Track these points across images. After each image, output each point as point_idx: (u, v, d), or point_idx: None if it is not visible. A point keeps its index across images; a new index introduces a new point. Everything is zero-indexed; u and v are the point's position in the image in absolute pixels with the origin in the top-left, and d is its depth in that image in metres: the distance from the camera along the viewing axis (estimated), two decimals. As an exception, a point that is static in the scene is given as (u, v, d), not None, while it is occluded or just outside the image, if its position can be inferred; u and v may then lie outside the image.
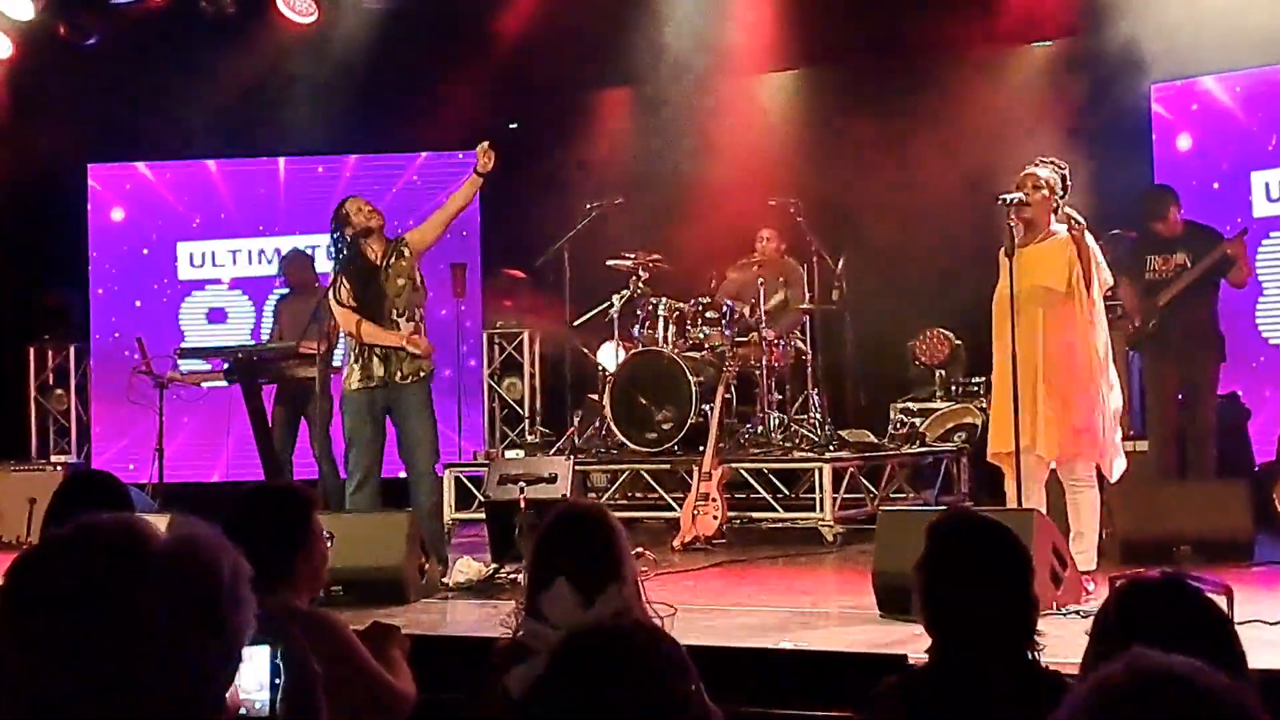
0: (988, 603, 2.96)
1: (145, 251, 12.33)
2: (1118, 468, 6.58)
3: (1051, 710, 1.66)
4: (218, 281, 12.29)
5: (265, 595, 3.60)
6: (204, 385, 9.97)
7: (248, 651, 2.87)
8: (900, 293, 10.51)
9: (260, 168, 12.32)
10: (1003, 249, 6.45)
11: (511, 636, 3.25)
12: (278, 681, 2.86)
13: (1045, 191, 6.53)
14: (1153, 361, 8.51)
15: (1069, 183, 6.64)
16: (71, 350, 12.19)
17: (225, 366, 9.38)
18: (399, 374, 7.46)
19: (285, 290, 10.13)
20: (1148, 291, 8.34)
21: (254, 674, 2.88)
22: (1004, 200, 6.44)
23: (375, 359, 7.49)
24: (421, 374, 7.50)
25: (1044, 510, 6.26)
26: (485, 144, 7.54)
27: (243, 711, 2.86)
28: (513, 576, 6.91)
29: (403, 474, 7.64)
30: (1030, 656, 2.97)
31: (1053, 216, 6.59)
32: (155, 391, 9.38)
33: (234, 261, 12.27)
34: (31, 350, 12.17)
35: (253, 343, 10.97)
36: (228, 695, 2.84)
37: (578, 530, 3.37)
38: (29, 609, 2.33)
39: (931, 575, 3.06)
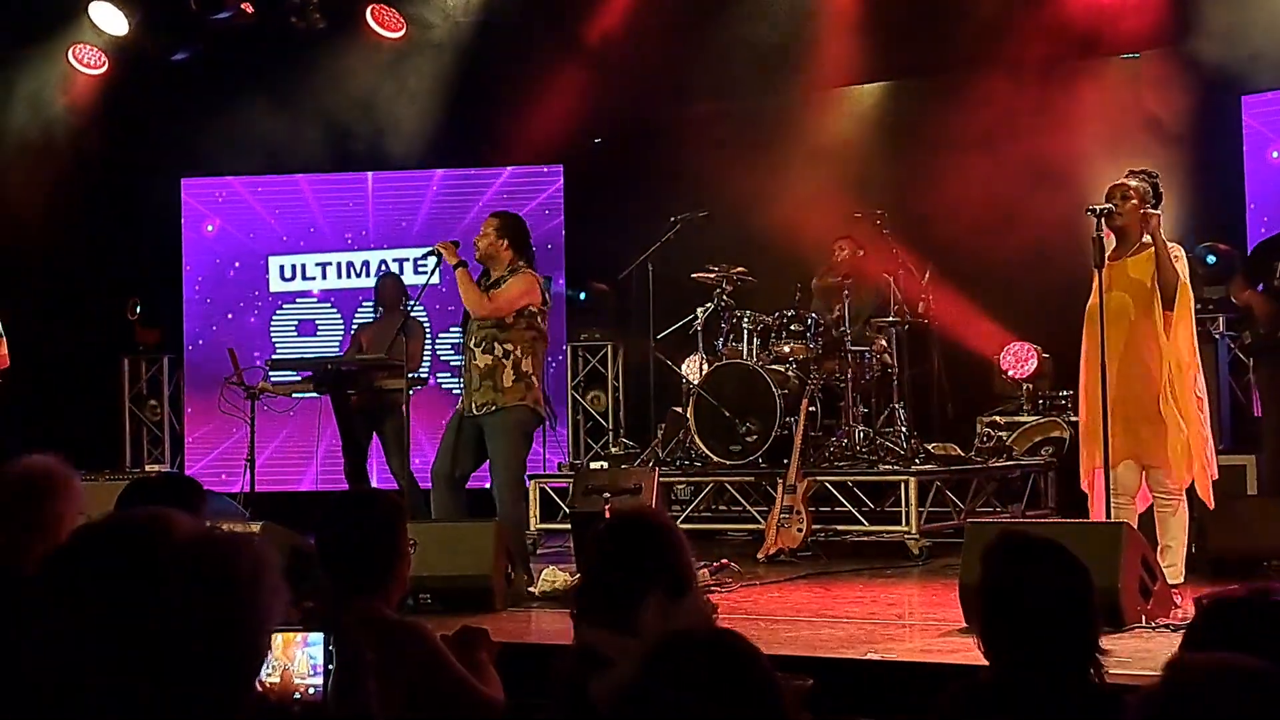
0: (1044, 624, 2.90)
1: (237, 264, 12.51)
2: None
3: None
4: (308, 294, 12.45)
5: (355, 601, 3.69)
6: (294, 396, 10.09)
7: (301, 638, 2.98)
8: (987, 305, 10.46)
9: (349, 182, 12.47)
10: (1093, 261, 6.42)
11: (578, 644, 3.25)
12: (330, 668, 2.95)
13: (1135, 201, 6.47)
14: (1272, 370, 8.23)
15: (1161, 191, 6.59)
16: (165, 362, 12.40)
17: (314, 378, 9.50)
18: (474, 406, 7.50)
19: (372, 314, 10.22)
20: (1278, 297, 8.01)
21: (308, 661, 2.98)
22: (1093, 211, 6.40)
23: (468, 386, 7.55)
24: (495, 407, 7.45)
25: (1134, 523, 6.20)
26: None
27: (296, 696, 2.95)
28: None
29: (488, 485, 7.71)
30: (1091, 675, 2.93)
31: (1145, 227, 6.53)
32: (246, 402, 9.50)
33: (324, 275, 12.42)
34: (126, 361, 12.39)
35: (342, 355, 11.09)
36: (280, 680, 2.94)
37: (634, 538, 3.35)
38: (56, 597, 2.42)
39: (987, 597, 3.03)
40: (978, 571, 3.09)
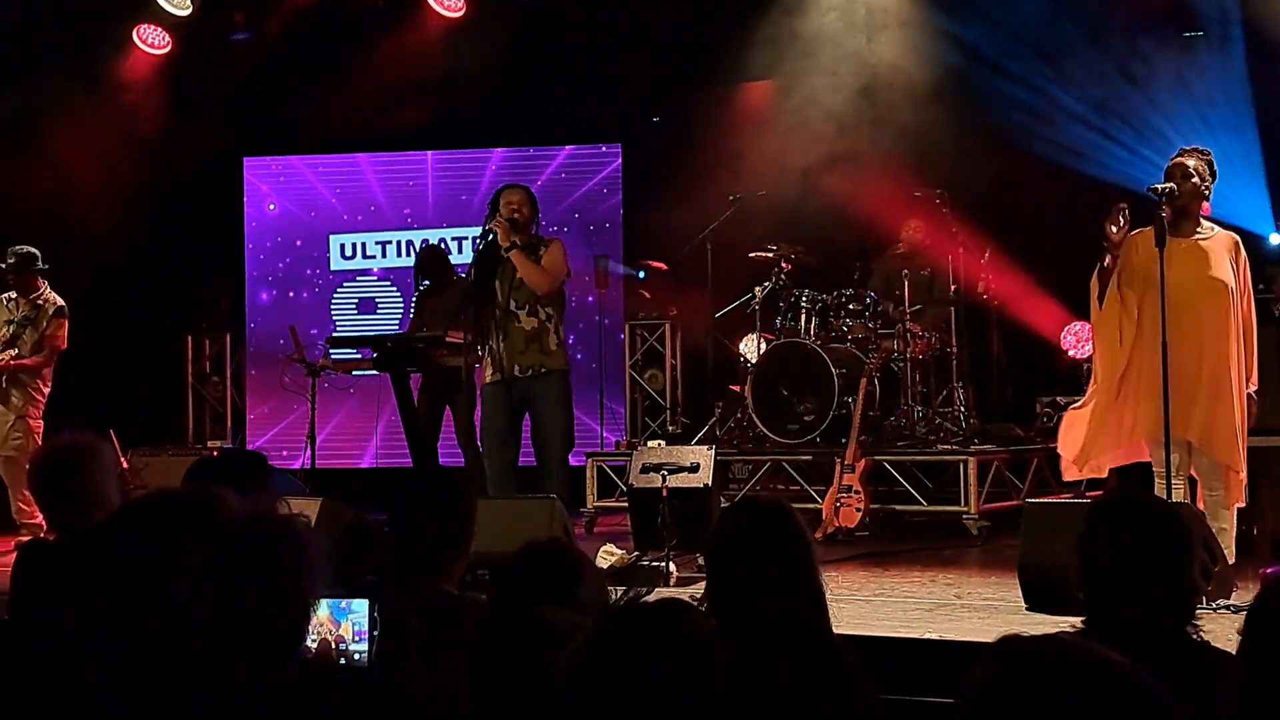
0: (1143, 584, 2.91)
1: (298, 243, 12.61)
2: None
3: (1201, 689, 1.71)
4: (368, 272, 12.53)
5: (419, 577, 3.73)
6: (354, 373, 10.16)
7: (347, 604, 3.02)
8: (1046, 285, 10.38)
9: (409, 161, 12.53)
10: (1155, 240, 6.35)
11: None
12: (375, 634, 2.99)
13: (1195, 180, 6.42)
14: None
15: (1215, 169, 6.53)
16: (227, 339, 12.52)
17: (374, 355, 9.56)
18: (516, 368, 7.53)
19: (427, 283, 10.27)
20: None
21: (353, 626, 3.01)
22: (1154, 191, 6.35)
23: (502, 353, 7.57)
24: (544, 369, 7.50)
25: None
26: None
27: (342, 662, 2.99)
28: (655, 563, 6.97)
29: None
30: (1188, 633, 2.93)
31: (1204, 205, 6.48)
32: (307, 379, 9.57)
33: (383, 253, 12.50)
34: (189, 339, 12.52)
35: (401, 332, 11.14)
36: (322, 647, 2.99)
37: (754, 525, 3.33)
38: (102, 567, 2.48)
39: (1088, 552, 3.03)
40: (1072, 539, 3.11)
